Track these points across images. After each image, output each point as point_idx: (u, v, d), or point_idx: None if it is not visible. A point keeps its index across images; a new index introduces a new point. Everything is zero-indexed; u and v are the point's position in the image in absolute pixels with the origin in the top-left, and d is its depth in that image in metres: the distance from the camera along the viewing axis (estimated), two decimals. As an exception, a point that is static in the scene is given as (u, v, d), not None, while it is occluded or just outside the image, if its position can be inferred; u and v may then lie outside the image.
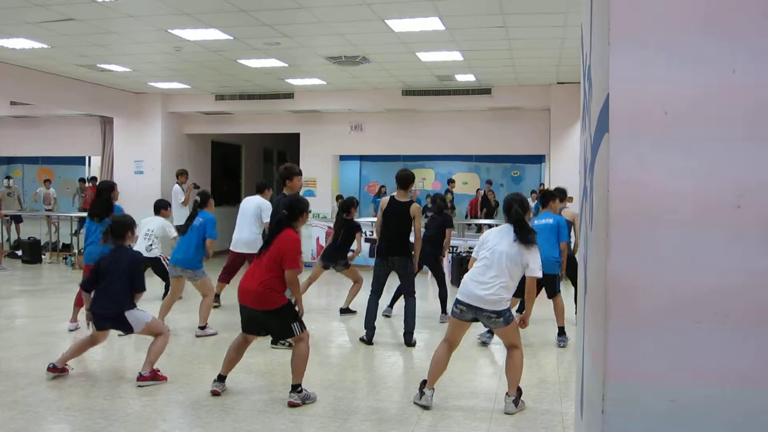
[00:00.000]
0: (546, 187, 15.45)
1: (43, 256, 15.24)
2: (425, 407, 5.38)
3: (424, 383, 5.50)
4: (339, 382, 6.30)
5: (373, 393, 5.93)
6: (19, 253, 15.22)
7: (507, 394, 5.40)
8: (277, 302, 5.46)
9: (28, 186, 19.36)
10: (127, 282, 6.04)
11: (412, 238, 7.59)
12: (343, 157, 16.93)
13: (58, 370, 6.15)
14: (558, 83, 13.22)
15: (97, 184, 8.81)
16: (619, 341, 1.93)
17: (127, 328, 6.13)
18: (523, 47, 10.12)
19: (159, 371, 6.15)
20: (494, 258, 5.20)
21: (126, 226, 6.31)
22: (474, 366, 7.02)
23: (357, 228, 9.29)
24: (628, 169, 1.91)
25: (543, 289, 7.49)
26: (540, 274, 5.25)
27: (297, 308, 5.55)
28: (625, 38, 1.91)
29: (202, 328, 8.02)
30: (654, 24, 1.90)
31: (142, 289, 6.20)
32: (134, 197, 14.87)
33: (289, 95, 14.59)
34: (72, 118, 16.57)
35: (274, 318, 5.51)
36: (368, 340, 7.59)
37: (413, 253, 7.60)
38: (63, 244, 15.84)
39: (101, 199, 8.23)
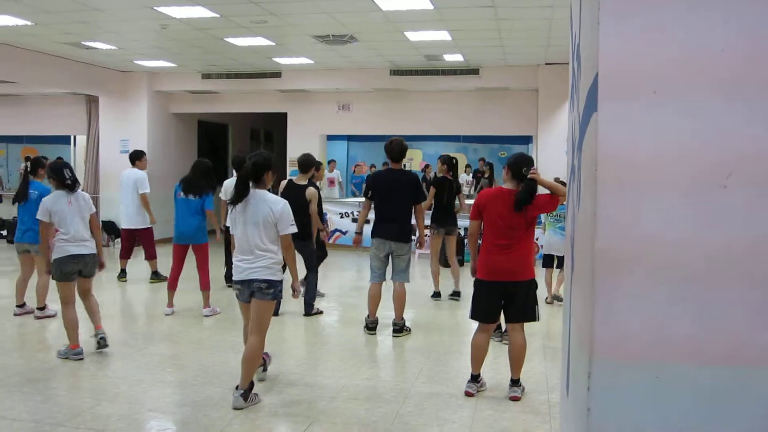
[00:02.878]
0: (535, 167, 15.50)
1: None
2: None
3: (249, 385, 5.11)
4: (319, 360, 6.32)
5: (361, 372, 5.95)
6: (4, 233, 15.16)
7: (237, 387, 5.07)
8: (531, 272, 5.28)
9: (12, 165, 19.19)
10: None
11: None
12: (330, 137, 16.87)
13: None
14: (546, 64, 13.19)
15: (195, 161, 8.62)
16: (605, 319, 1.94)
17: None
18: (511, 27, 10.09)
19: None
20: (251, 230, 5.00)
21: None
22: (459, 344, 7.06)
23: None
24: (617, 148, 1.92)
25: None
26: (289, 230, 5.03)
27: None
28: (615, 17, 1.91)
29: (41, 308, 7.80)
30: (643, 3, 1.90)
31: None
32: (120, 176, 14.77)
33: (276, 74, 14.49)
34: (57, 96, 16.38)
35: (526, 289, 5.25)
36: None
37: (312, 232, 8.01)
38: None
39: (195, 172, 8.17)
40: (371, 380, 5.74)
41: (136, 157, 10.36)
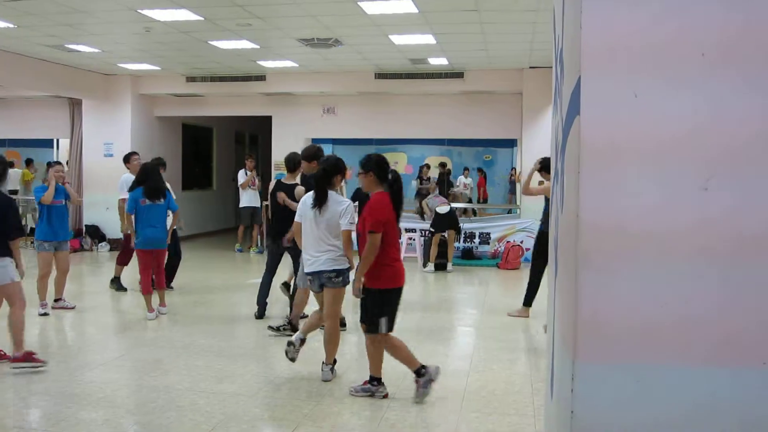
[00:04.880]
0: (518, 172, 15.56)
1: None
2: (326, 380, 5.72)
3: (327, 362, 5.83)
4: (303, 364, 6.31)
5: (346, 375, 5.94)
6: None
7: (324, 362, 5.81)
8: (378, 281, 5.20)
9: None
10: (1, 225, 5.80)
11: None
12: (315, 141, 16.83)
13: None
14: (530, 67, 13.24)
15: (146, 162, 8.77)
16: (588, 322, 1.95)
17: None
18: (495, 31, 10.12)
19: (34, 354, 5.95)
20: (323, 228, 5.58)
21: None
22: (445, 348, 7.08)
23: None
24: (600, 150, 1.92)
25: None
26: (348, 227, 5.50)
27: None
28: (597, 21, 1.92)
29: (57, 300, 8.42)
30: (625, 7, 1.91)
31: (20, 233, 5.97)
32: (103, 180, 14.69)
33: (261, 77, 14.45)
34: (40, 99, 16.24)
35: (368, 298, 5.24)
36: (259, 315, 8.02)
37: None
38: (30, 228, 15.61)
39: (156, 177, 8.24)
40: (356, 384, 5.73)
41: (125, 160, 10.18)
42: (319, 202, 5.58)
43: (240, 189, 14.17)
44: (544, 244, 8.46)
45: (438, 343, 7.14)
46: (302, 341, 5.92)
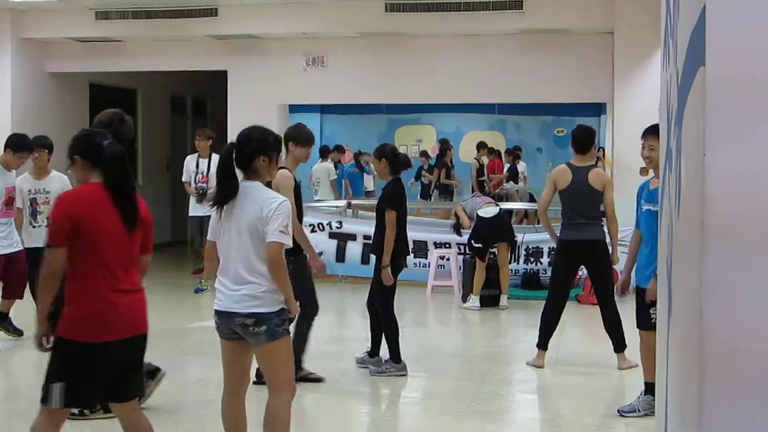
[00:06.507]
0: (605, 151, 15.54)
1: None
2: None
3: None
4: None
5: None
6: None
7: None
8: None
9: None
10: None
11: None
12: (294, 108, 16.86)
13: None
14: (625, -7, 13.28)
15: None
16: (718, 376, 1.97)
17: None
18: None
19: None
20: (234, 241, 5.17)
21: None
22: (497, 426, 7.09)
23: None
24: (736, 119, 1.92)
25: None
26: (276, 238, 5.05)
27: None
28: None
29: None
30: None
31: None
32: None
33: (209, 12, 14.43)
34: None
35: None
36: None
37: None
38: None
39: None
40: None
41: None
42: (224, 196, 5.14)
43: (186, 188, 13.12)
44: (564, 255, 8.61)
45: (486, 418, 7.14)
46: None
